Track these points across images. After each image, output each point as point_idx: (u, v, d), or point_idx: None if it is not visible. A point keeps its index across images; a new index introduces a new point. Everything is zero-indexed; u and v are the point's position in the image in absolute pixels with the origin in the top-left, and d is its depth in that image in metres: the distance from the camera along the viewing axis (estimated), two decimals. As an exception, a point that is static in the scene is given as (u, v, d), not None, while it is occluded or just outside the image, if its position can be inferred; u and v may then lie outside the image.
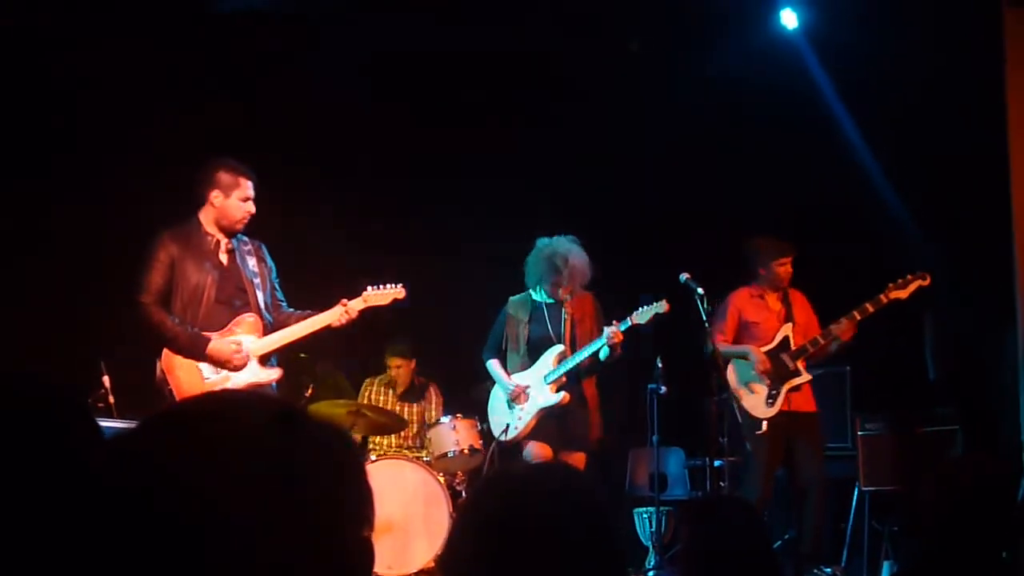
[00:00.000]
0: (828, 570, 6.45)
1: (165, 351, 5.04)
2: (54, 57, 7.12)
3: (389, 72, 8.15)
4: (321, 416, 1.25)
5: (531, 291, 6.62)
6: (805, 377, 6.56)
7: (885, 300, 6.40)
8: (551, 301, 6.53)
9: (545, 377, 6.41)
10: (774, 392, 6.54)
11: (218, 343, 5.05)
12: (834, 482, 6.88)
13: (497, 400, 6.65)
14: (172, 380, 5.02)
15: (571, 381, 6.39)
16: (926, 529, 2.46)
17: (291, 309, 5.40)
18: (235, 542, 1.00)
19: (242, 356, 5.12)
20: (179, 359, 5.06)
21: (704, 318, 6.13)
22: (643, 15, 8.13)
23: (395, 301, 5.50)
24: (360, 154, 8.31)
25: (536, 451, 6.37)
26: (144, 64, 7.35)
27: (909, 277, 6.41)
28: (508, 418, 6.48)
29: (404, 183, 8.46)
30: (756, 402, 6.53)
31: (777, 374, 6.57)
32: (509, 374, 6.57)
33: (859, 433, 7.11)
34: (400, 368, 7.86)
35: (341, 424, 5.80)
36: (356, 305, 5.33)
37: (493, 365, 6.66)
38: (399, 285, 5.49)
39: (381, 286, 5.45)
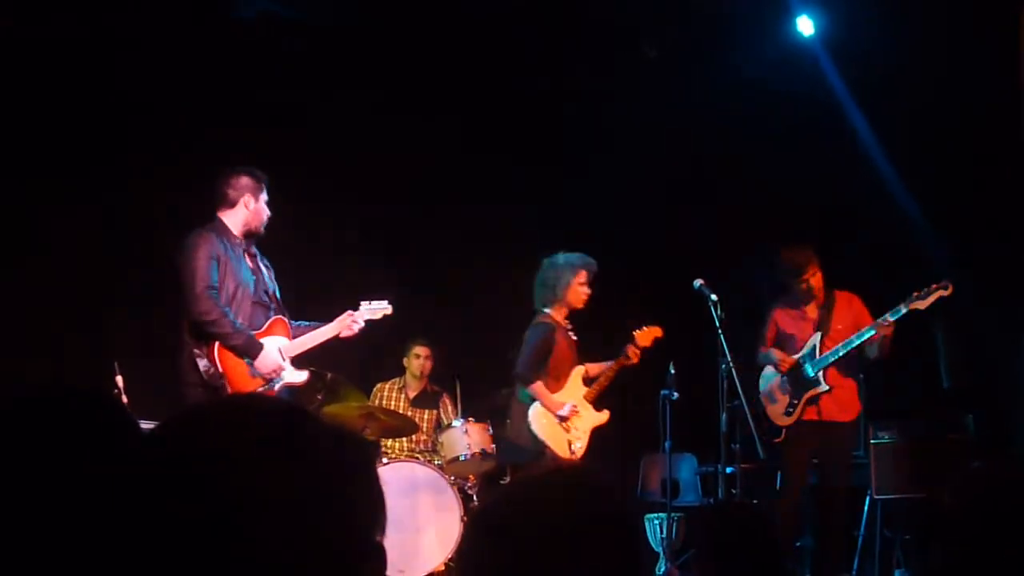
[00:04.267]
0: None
1: (218, 346, 5.16)
2: (68, 59, 7.14)
3: (401, 79, 8.17)
4: (334, 419, 1.25)
5: (552, 311, 6.57)
6: (823, 387, 6.49)
7: (906, 310, 6.30)
8: (568, 326, 6.60)
9: (584, 397, 6.54)
10: (794, 402, 6.54)
11: (267, 355, 5.23)
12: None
13: (547, 420, 6.46)
14: (228, 372, 5.15)
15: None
16: (945, 538, 2.44)
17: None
18: (244, 537, 1.01)
19: (278, 376, 5.32)
20: (231, 354, 5.20)
21: (717, 324, 6.11)
22: (658, 22, 8.14)
23: (385, 316, 5.74)
24: (371, 162, 8.29)
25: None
26: (160, 68, 7.37)
27: (933, 287, 6.28)
28: (568, 436, 6.46)
29: (418, 193, 8.44)
30: (776, 411, 6.55)
31: (799, 383, 6.56)
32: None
33: (871, 441, 7.07)
34: (425, 360, 7.86)
35: (354, 427, 5.85)
36: (360, 316, 5.56)
37: (537, 388, 6.46)
38: (386, 302, 5.73)
39: (373, 302, 5.69)
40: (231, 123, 7.44)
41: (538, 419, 6.49)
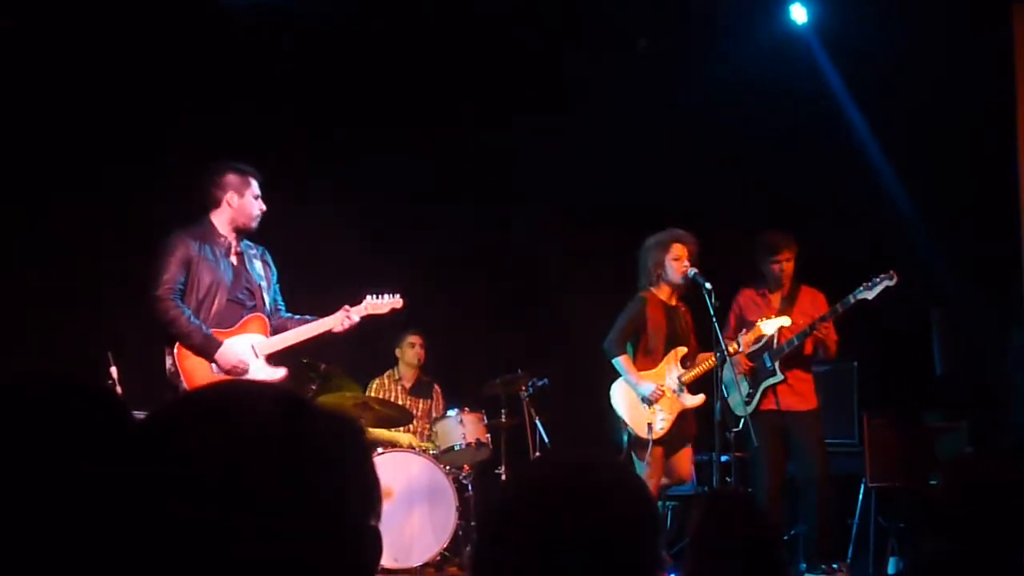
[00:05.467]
0: (835, 566, 6.44)
1: (178, 345, 5.21)
2: (60, 54, 7.13)
3: (393, 72, 8.16)
4: (329, 406, 1.25)
5: (654, 290, 6.52)
6: (778, 377, 6.55)
7: (854, 300, 6.39)
8: (673, 304, 6.51)
9: (680, 378, 6.40)
10: (751, 392, 6.59)
11: (227, 351, 5.22)
12: (840, 478, 6.87)
13: (628, 397, 6.45)
14: (184, 373, 5.16)
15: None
16: (936, 526, 2.45)
17: (289, 314, 5.61)
18: (245, 529, 1.01)
19: (243, 371, 5.29)
20: (191, 355, 5.22)
21: (712, 313, 6.12)
22: (651, 13, 8.12)
23: (393, 311, 5.73)
24: (365, 157, 8.28)
25: (656, 453, 6.33)
26: (151, 61, 7.36)
27: (879, 276, 6.35)
28: (647, 416, 6.33)
29: (409, 187, 8.43)
30: (736, 400, 6.52)
31: (756, 373, 6.62)
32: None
33: (866, 429, 7.08)
34: (419, 349, 7.87)
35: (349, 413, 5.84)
36: (358, 311, 5.55)
37: (623, 362, 6.45)
38: (396, 295, 5.70)
39: (381, 296, 5.67)
40: (233, 114, 7.44)
41: (618, 394, 6.48)
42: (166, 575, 1.01)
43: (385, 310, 5.68)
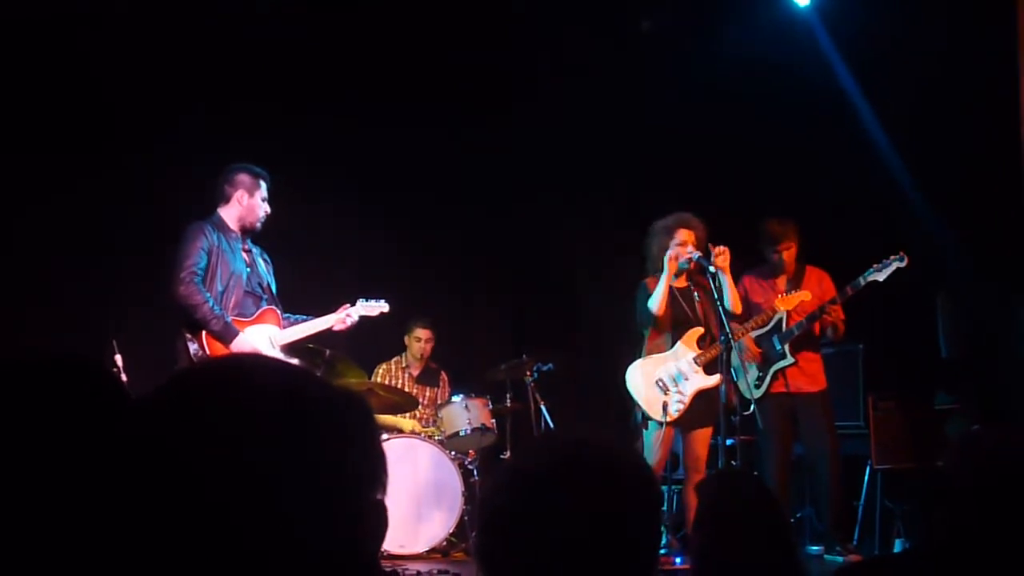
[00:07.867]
0: (838, 548, 6.45)
1: (207, 332, 5.35)
2: (63, 41, 7.13)
3: (397, 64, 8.15)
4: (336, 382, 1.24)
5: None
6: (788, 360, 6.58)
7: (864, 283, 6.42)
8: (683, 286, 6.42)
9: (695, 359, 6.27)
10: (761, 375, 6.64)
11: (243, 340, 5.36)
12: (846, 460, 6.87)
13: (644, 379, 6.32)
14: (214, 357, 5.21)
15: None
16: (948, 505, 2.43)
17: (286, 315, 5.80)
18: (248, 503, 1.01)
19: None
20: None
21: (716, 296, 6.11)
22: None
23: (381, 314, 5.99)
24: (371, 149, 8.27)
25: (666, 433, 6.23)
26: (157, 47, 7.36)
27: (890, 258, 6.38)
28: (663, 397, 6.21)
29: (409, 180, 8.43)
30: (746, 384, 6.58)
31: (766, 357, 6.64)
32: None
33: (871, 411, 7.09)
34: (426, 343, 7.88)
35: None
36: (356, 311, 5.80)
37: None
38: (383, 301, 5.95)
39: (371, 300, 5.92)
40: (238, 104, 7.45)
41: (633, 377, 6.38)
42: (169, 551, 1.00)
43: (375, 313, 5.91)
